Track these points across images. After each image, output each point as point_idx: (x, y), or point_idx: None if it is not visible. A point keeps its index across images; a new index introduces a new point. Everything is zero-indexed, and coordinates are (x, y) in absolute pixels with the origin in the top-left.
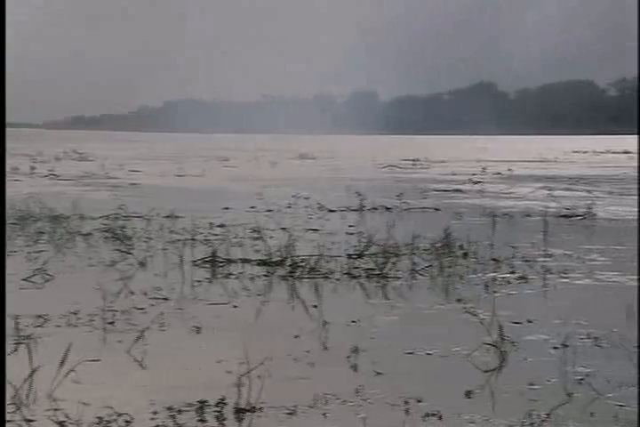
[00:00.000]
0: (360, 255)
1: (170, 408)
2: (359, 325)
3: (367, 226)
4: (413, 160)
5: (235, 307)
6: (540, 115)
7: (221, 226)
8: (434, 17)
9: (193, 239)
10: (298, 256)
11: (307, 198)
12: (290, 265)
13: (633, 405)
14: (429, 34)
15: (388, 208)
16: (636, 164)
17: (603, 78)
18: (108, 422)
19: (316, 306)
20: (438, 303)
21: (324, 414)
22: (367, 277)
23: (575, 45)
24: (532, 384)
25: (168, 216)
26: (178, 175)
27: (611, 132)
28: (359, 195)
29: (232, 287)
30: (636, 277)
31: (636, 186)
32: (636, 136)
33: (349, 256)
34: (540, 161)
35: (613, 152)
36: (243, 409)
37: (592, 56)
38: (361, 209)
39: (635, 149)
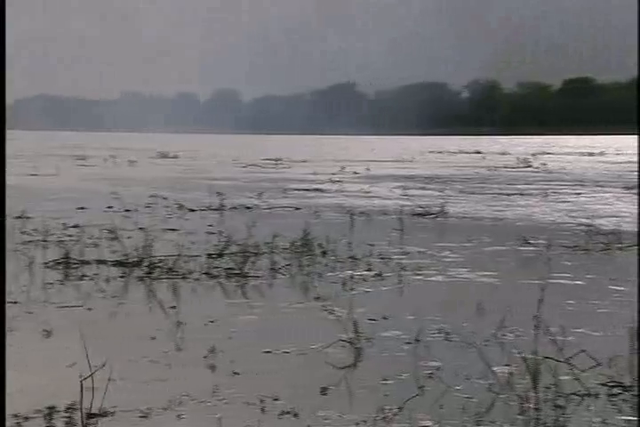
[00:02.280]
0: (220, 255)
1: (16, 415)
2: (217, 324)
3: (227, 225)
4: (275, 160)
5: (89, 309)
6: (399, 115)
7: (76, 226)
8: (294, 17)
9: (45, 240)
10: (155, 256)
11: (165, 198)
12: (147, 266)
13: (479, 396)
14: (290, 34)
15: (248, 207)
16: (486, 163)
17: (457, 80)
18: None
19: (174, 307)
20: (297, 302)
21: (178, 415)
22: (227, 276)
23: (431, 47)
24: (385, 379)
25: (19, 217)
26: (30, 175)
27: (464, 133)
28: (220, 194)
29: (86, 289)
30: (485, 273)
31: (485, 185)
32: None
33: (209, 256)
34: (398, 161)
35: (466, 152)
36: (94, 414)
37: (446, 58)
38: (221, 208)
39: (485, 149)
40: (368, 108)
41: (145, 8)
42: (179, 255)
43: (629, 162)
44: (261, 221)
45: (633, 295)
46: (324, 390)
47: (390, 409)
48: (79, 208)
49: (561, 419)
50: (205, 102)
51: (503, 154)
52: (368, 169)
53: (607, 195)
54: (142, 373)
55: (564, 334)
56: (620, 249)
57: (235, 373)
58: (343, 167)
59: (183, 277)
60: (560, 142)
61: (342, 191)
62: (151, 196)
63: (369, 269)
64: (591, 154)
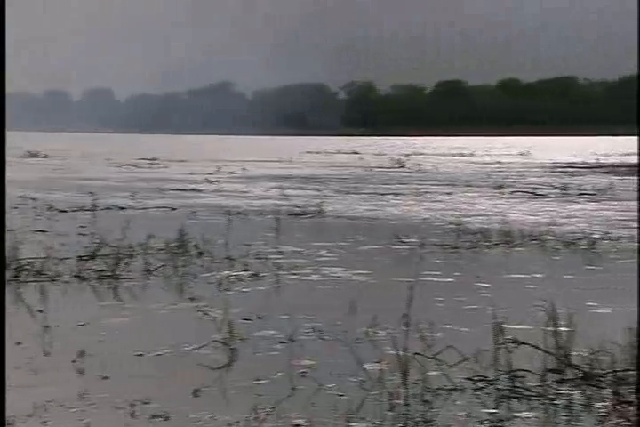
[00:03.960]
0: (91, 257)
1: None
2: (88, 328)
3: (100, 226)
4: (151, 159)
5: None
6: (277, 116)
7: None
8: (169, 15)
9: None
10: (23, 259)
11: (34, 199)
12: (14, 268)
13: (351, 394)
14: (165, 32)
15: (122, 208)
16: (362, 164)
17: (334, 82)
18: None
19: (41, 310)
20: (171, 303)
21: (43, 422)
22: (98, 278)
23: (310, 48)
24: (258, 379)
25: None
26: None
27: (342, 134)
28: (92, 194)
29: None
30: (359, 271)
31: (361, 185)
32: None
33: (80, 258)
34: (275, 161)
35: (343, 152)
36: None
37: (326, 59)
38: (94, 209)
39: (362, 150)
40: (246, 108)
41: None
42: (47, 257)
43: (497, 162)
44: (136, 221)
45: (497, 291)
46: (196, 392)
47: (263, 409)
48: None
49: (428, 414)
50: (78, 101)
51: (379, 155)
52: (245, 169)
53: (476, 194)
54: (6, 379)
55: (434, 330)
56: (488, 247)
57: (104, 377)
58: (220, 167)
59: (52, 280)
60: (433, 143)
61: (219, 191)
62: (19, 196)
63: (245, 270)
64: (462, 154)
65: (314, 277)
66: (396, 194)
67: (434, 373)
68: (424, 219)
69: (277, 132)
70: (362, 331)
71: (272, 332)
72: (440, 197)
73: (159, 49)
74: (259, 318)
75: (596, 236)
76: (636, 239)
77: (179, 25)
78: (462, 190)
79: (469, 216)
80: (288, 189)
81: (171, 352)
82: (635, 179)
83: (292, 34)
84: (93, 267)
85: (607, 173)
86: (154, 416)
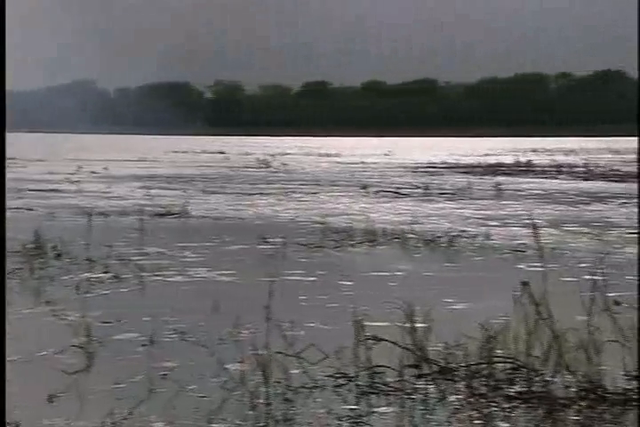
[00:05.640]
0: None
1: None
2: None
3: None
4: (8, 159)
5: None
6: (141, 114)
7: None
8: (31, 13)
9: None
10: None
11: None
12: None
13: (212, 396)
14: (25, 29)
15: None
16: (229, 164)
17: (201, 81)
18: None
19: None
20: (27, 307)
21: None
22: None
23: (175, 48)
24: (117, 383)
25: None
26: None
27: (210, 134)
28: None
29: None
30: (223, 272)
31: (227, 185)
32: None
33: None
34: (140, 160)
35: (210, 152)
36: None
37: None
38: None
39: (228, 150)
40: (108, 106)
41: None
42: None
43: (362, 162)
44: None
45: (359, 289)
46: (51, 398)
47: (121, 413)
48: None
49: (290, 412)
50: None
51: (245, 154)
52: (107, 169)
53: (342, 194)
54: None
55: (296, 328)
56: (352, 246)
57: None
58: (81, 167)
59: None
60: (299, 143)
61: (80, 192)
62: None
63: (106, 272)
64: (328, 155)
65: (178, 278)
66: (262, 194)
67: (295, 371)
68: (290, 218)
69: (141, 132)
70: (225, 331)
71: (133, 335)
72: (306, 197)
73: (16, 46)
74: (118, 320)
75: (454, 234)
76: (492, 237)
77: (39, 22)
78: (327, 190)
79: (334, 215)
80: (152, 188)
81: (25, 358)
82: (490, 178)
83: (157, 33)
84: None
85: (465, 172)
86: (4, 424)
